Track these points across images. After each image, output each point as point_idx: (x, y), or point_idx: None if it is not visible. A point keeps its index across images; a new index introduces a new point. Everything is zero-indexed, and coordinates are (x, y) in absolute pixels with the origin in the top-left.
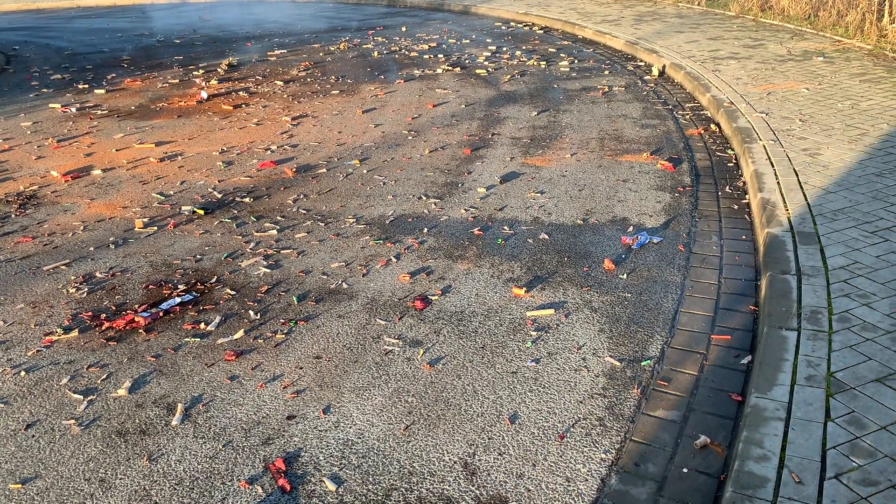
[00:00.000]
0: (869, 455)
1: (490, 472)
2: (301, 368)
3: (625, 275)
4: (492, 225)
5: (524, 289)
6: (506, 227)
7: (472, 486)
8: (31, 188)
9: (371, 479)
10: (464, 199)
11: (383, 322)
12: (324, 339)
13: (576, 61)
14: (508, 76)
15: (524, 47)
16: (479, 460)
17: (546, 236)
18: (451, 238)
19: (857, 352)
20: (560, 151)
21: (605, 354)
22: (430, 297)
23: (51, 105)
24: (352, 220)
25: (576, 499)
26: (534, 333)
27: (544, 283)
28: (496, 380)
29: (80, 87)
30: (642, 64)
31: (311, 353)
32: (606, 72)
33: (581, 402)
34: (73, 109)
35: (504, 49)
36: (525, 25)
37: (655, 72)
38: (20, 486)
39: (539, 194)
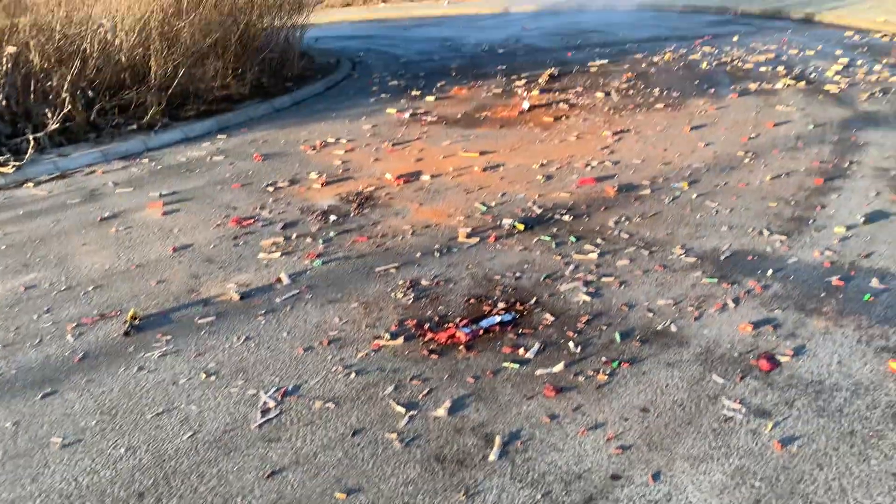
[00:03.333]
0: None
1: None
2: (626, 420)
3: None
4: (855, 275)
5: None
6: (875, 280)
7: None
8: (368, 189)
9: None
10: (817, 240)
11: (721, 380)
12: (651, 388)
13: None
14: (867, 94)
15: (885, 61)
16: None
17: None
18: (803, 286)
19: None
20: None
21: None
22: (779, 358)
23: (387, 110)
24: (680, 252)
25: None
26: None
27: None
28: (872, 480)
29: (413, 93)
30: None
31: (636, 403)
32: None
33: None
34: (407, 115)
35: (859, 62)
36: (884, 36)
37: None
38: (345, 495)
39: None
